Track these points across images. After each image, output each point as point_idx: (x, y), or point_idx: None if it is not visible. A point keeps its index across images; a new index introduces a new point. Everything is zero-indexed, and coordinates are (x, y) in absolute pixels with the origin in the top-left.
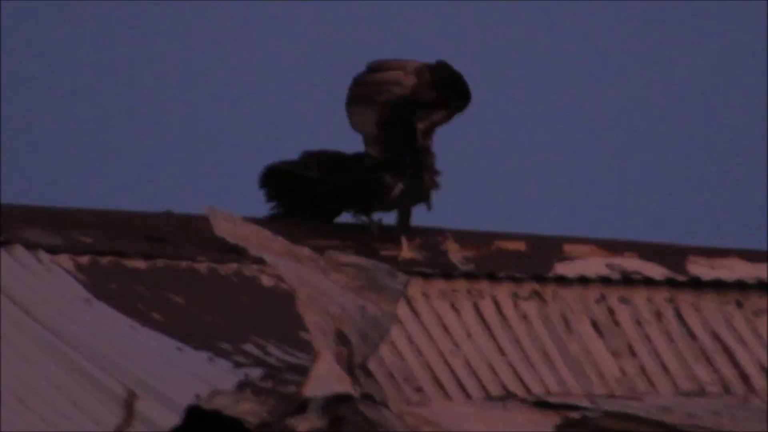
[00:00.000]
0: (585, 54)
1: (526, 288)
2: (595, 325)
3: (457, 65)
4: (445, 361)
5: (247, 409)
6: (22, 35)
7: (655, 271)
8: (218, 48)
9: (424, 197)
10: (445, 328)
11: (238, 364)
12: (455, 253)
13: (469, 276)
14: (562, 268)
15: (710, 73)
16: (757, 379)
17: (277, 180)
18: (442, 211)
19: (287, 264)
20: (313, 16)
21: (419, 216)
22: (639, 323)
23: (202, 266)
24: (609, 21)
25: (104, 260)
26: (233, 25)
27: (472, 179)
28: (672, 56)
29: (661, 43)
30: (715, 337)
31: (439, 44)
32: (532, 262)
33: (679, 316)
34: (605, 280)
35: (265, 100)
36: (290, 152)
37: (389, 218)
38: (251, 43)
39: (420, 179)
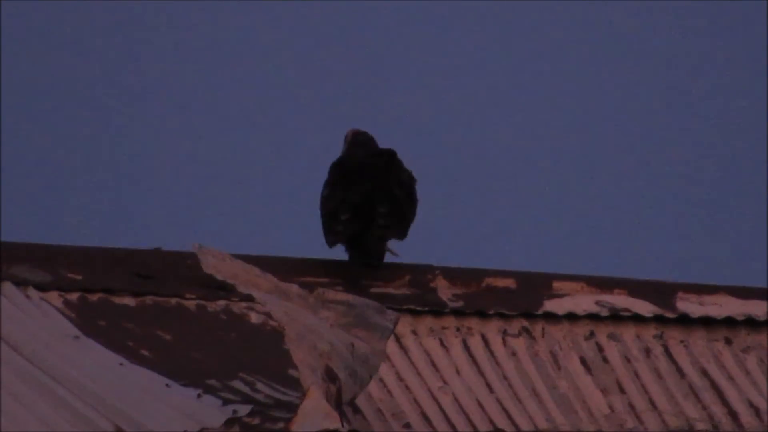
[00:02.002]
0: (574, 85)
1: (515, 325)
2: (583, 361)
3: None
4: (434, 398)
5: None
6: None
7: (644, 307)
8: (214, 73)
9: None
10: (434, 365)
11: (226, 401)
12: (444, 290)
13: (458, 313)
14: (551, 305)
15: (703, 94)
16: (746, 416)
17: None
18: (432, 247)
19: (276, 301)
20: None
21: (409, 253)
22: (628, 360)
23: (190, 303)
24: (603, 56)
25: (93, 297)
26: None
27: (460, 216)
28: (663, 84)
29: (651, 77)
30: (704, 374)
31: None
32: (522, 299)
33: (668, 353)
34: (594, 317)
35: (256, 131)
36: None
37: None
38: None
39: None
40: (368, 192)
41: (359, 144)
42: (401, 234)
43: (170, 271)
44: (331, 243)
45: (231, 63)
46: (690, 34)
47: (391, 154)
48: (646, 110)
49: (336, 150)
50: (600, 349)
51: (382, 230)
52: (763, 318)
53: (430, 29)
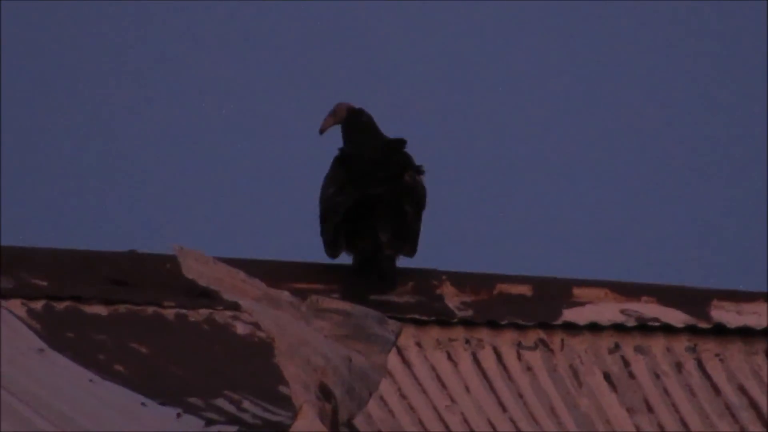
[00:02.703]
0: (590, 87)
1: (531, 336)
2: (607, 377)
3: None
4: (441, 418)
5: None
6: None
7: (675, 317)
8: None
9: None
10: (441, 382)
11: (209, 422)
12: (452, 298)
13: (467, 323)
14: (571, 315)
15: (723, 95)
16: None
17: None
18: (438, 251)
19: (265, 310)
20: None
21: (412, 257)
22: (657, 376)
23: (169, 312)
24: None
25: (60, 306)
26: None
27: (471, 216)
28: (676, 81)
29: (668, 77)
30: (742, 390)
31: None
32: (538, 307)
33: (702, 368)
34: (619, 328)
35: (248, 138)
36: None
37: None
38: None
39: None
40: (375, 216)
41: (358, 127)
42: (410, 252)
43: (147, 277)
44: (334, 255)
45: (218, 63)
46: (690, 34)
47: (402, 151)
48: (673, 109)
49: (328, 148)
50: (626, 363)
51: (391, 260)
52: None
53: (435, 28)
